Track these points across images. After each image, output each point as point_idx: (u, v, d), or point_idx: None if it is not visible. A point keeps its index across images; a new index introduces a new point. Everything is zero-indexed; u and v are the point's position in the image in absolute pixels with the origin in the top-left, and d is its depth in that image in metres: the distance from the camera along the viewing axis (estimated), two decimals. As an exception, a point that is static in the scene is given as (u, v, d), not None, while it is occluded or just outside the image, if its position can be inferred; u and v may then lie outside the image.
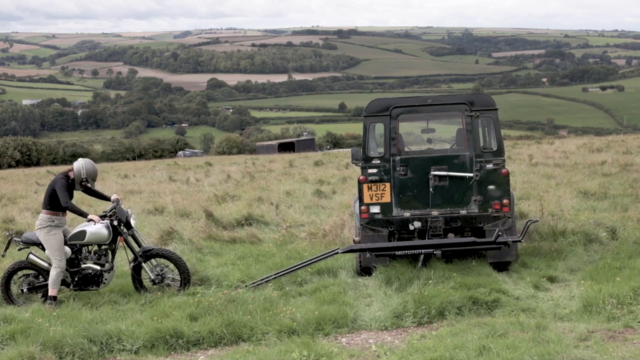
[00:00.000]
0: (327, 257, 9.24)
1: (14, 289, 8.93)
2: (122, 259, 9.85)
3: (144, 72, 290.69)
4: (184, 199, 18.39)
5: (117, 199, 9.01)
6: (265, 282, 8.92)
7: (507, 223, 9.12)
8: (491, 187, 9.10)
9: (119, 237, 8.85)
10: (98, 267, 8.75)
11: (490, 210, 9.10)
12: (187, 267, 8.84)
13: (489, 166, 9.10)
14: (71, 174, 8.84)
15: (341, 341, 6.90)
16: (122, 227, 8.83)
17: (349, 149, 25.13)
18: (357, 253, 9.26)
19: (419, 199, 9.18)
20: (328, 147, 77.92)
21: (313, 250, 10.71)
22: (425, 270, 8.79)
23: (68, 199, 8.59)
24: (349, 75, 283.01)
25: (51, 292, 8.54)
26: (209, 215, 13.83)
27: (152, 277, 8.79)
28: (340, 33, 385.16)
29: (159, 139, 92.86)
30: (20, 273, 8.96)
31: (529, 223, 8.91)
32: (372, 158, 9.23)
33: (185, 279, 8.77)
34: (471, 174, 9.09)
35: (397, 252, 8.83)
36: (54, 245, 8.58)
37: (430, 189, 9.14)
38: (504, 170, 9.11)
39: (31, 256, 8.82)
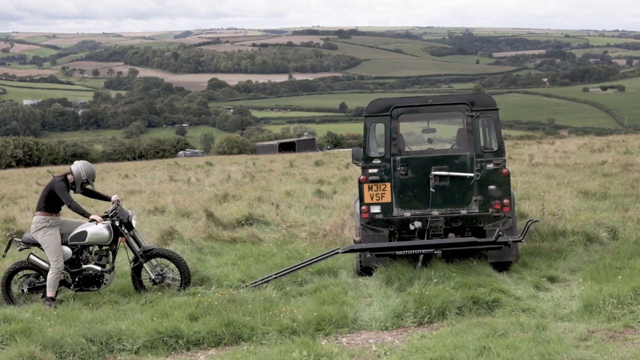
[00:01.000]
0: (327, 257, 9.24)
1: (15, 289, 8.93)
2: (122, 259, 9.85)
3: (144, 72, 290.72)
4: (184, 199, 18.39)
5: (118, 199, 9.01)
6: (266, 282, 8.91)
7: (507, 223, 9.11)
8: (492, 187, 9.09)
9: (120, 238, 8.84)
10: (99, 268, 8.75)
11: (490, 210, 9.10)
12: (187, 266, 8.85)
13: (490, 166, 9.10)
14: (70, 177, 8.84)
15: (341, 341, 6.90)
16: (123, 228, 8.82)
17: (350, 149, 25.12)
18: (358, 253, 9.26)
19: (420, 198, 9.18)
20: (329, 147, 77.92)
21: (313, 250, 10.71)
22: (426, 270, 8.79)
23: (71, 200, 8.61)
24: (350, 75, 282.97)
25: (49, 293, 8.56)
26: (209, 215, 13.83)
27: (153, 277, 8.80)
28: (340, 33, 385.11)
29: (159, 139, 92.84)
30: (20, 273, 8.96)
31: (529, 223, 8.91)
32: (373, 158, 9.23)
33: (186, 278, 8.78)
34: (472, 174, 9.09)
35: (397, 252, 8.83)
36: (50, 246, 8.58)
37: (431, 189, 9.13)
38: (504, 170, 9.11)
39: (32, 256, 8.82)
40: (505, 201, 9.09)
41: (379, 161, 9.20)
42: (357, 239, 9.40)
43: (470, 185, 9.11)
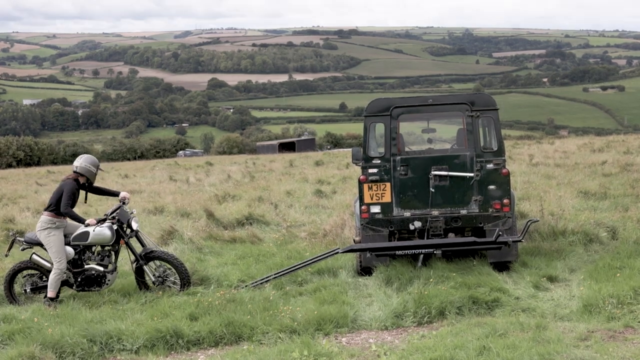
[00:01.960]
0: (327, 256, 9.24)
1: (17, 288, 8.93)
2: (122, 259, 9.84)
3: (144, 72, 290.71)
4: (184, 199, 18.41)
5: (124, 197, 8.95)
6: (266, 282, 8.91)
7: (507, 223, 9.11)
8: (492, 187, 9.09)
9: (120, 240, 8.83)
10: (101, 268, 8.73)
11: (490, 210, 9.10)
12: (186, 270, 8.83)
13: (490, 166, 9.10)
14: (82, 179, 8.84)
15: (341, 341, 6.90)
16: (125, 229, 8.82)
17: (350, 149, 25.08)
18: (358, 253, 9.26)
19: (420, 198, 9.18)
20: (328, 147, 77.92)
21: (313, 250, 10.71)
22: (426, 270, 8.79)
23: (69, 205, 8.57)
24: (350, 75, 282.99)
25: (49, 293, 8.55)
26: (209, 215, 13.84)
27: (153, 279, 8.82)
28: (340, 33, 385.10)
29: (159, 138, 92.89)
30: (24, 273, 8.96)
31: (529, 223, 8.91)
32: (373, 158, 9.23)
33: (185, 282, 8.77)
34: (472, 174, 9.09)
35: (397, 252, 8.83)
36: (53, 247, 8.56)
37: (431, 189, 9.14)
38: (504, 170, 9.11)
39: (34, 256, 8.81)
40: (505, 201, 9.09)
41: (379, 161, 9.20)
42: (357, 238, 9.40)
43: (470, 185, 9.11)
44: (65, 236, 8.77)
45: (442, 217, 9.10)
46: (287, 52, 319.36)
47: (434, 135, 11.03)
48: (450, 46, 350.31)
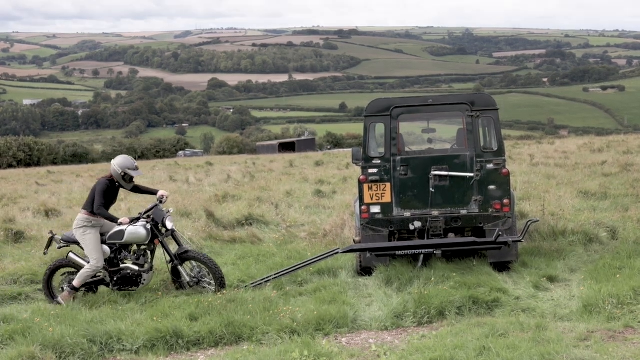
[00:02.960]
0: (327, 257, 9.24)
1: (56, 286, 8.90)
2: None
3: (144, 72, 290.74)
4: (184, 199, 18.39)
5: (162, 196, 8.87)
6: (266, 282, 8.91)
7: (507, 223, 9.11)
8: (492, 187, 9.09)
9: (155, 239, 8.71)
10: (136, 268, 8.65)
11: (490, 210, 9.10)
12: (220, 271, 8.65)
13: (490, 166, 9.10)
14: (116, 178, 8.78)
15: (341, 341, 6.90)
16: (160, 228, 8.70)
17: (350, 149, 25.06)
18: (358, 253, 9.26)
19: (420, 198, 9.18)
20: (329, 147, 77.92)
21: (313, 250, 10.71)
22: (426, 270, 8.79)
23: (101, 205, 8.54)
24: (350, 75, 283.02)
25: (75, 282, 8.53)
26: (209, 215, 13.83)
27: (188, 279, 8.68)
28: (340, 33, 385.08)
29: (159, 139, 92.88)
30: (62, 271, 8.93)
31: (529, 223, 8.91)
32: (373, 158, 9.23)
33: (219, 282, 8.56)
34: (472, 174, 9.09)
35: (397, 252, 8.83)
36: (90, 245, 8.54)
37: (431, 189, 9.14)
38: (504, 170, 9.11)
39: (71, 254, 8.79)
40: (505, 201, 9.09)
41: (379, 161, 9.20)
42: (357, 239, 9.40)
43: (470, 185, 9.11)
44: (102, 235, 8.71)
45: (442, 217, 9.10)
46: (287, 52, 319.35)
47: (434, 135, 11.03)
48: (450, 46, 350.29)
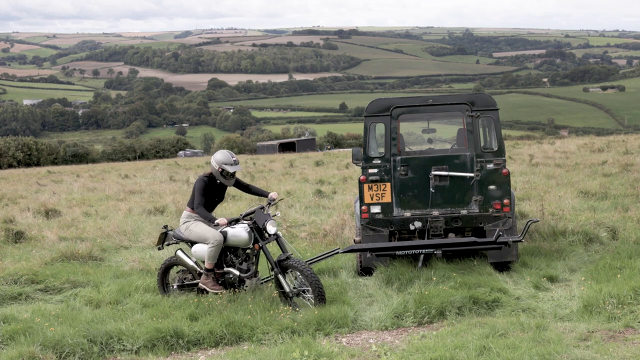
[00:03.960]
0: (327, 257, 9.23)
1: (170, 282, 8.81)
2: (122, 259, 9.82)
3: (144, 72, 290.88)
4: (184, 199, 18.39)
5: (272, 198, 8.41)
6: (266, 282, 8.90)
7: (507, 223, 9.11)
8: (492, 187, 9.10)
9: (255, 244, 8.17)
10: (238, 272, 8.18)
11: (490, 210, 9.10)
12: (319, 283, 7.77)
13: (490, 166, 9.10)
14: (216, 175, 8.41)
15: (341, 341, 6.90)
16: (264, 233, 8.11)
17: (350, 149, 25.04)
18: (358, 253, 9.26)
19: (420, 199, 9.18)
20: (329, 147, 77.90)
21: (313, 250, 10.72)
22: (426, 270, 8.79)
23: (200, 204, 8.14)
24: (350, 75, 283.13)
25: (207, 264, 8.18)
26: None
27: (287, 290, 7.91)
28: (340, 33, 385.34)
29: (159, 139, 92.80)
30: (178, 268, 8.79)
31: (529, 223, 8.90)
32: (373, 158, 9.23)
33: (318, 296, 7.68)
34: (472, 174, 9.09)
35: (397, 252, 8.82)
36: (198, 232, 8.23)
37: (431, 189, 9.14)
38: (504, 170, 9.11)
39: (178, 252, 8.61)
40: (505, 201, 9.09)
41: (379, 161, 9.20)
42: (357, 239, 9.40)
43: (470, 185, 9.11)
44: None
45: (442, 217, 9.10)
46: (287, 52, 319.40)
47: (434, 135, 11.04)
48: (450, 46, 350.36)
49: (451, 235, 9.20)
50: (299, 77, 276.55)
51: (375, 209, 9.17)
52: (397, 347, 6.55)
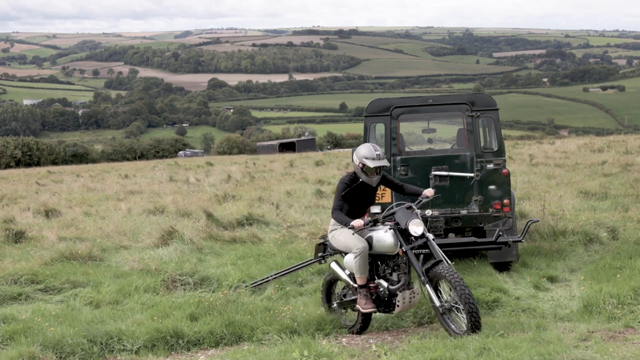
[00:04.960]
0: (327, 257, 9.23)
1: (333, 299, 7.69)
2: (122, 259, 9.82)
3: (144, 72, 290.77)
4: (184, 199, 18.39)
5: (426, 195, 7.22)
6: (266, 282, 8.91)
7: (507, 223, 9.12)
8: (492, 187, 9.10)
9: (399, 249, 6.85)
10: (386, 284, 6.92)
11: (490, 210, 9.10)
12: (474, 306, 6.41)
13: (490, 166, 9.10)
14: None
15: (341, 341, 6.90)
16: (409, 236, 6.82)
17: (350, 149, 25.04)
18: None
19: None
20: (329, 147, 77.90)
21: (313, 251, 10.69)
22: (426, 270, 8.76)
23: (337, 207, 7.05)
24: (350, 75, 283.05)
25: (358, 280, 6.98)
26: (209, 215, 13.84)
27: (437, 304, 6.63)
28: (340, 33, 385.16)
29: (159, 139, 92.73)
30: (342, 284, 7.59)
31: (529, 223, 8.89)
32: (373, 158, 9.21)
33: (471, 322, 6.40)
34: (472, 174, 9.10)
35: (397, 252, 8.80)
36: (343, 241, 7.08)
37: (431, 189, 9.12)
38: (504, 170, 9.11)
39: (332, 264, 7.50)
40: (505, 201, 9.10)
41: (379, 161, 9.18)
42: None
43: (470, 185, 9.11)
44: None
45: (442, 217, 9.10)
46: (287, 52, 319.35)
47: (434, 135, 11.04)
48: (450, 46, 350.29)
49: (451, 235, 9.20)
50: (299, 77, 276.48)
51: (375, 209, 9.17)
52: (397, 347, 6.54)
